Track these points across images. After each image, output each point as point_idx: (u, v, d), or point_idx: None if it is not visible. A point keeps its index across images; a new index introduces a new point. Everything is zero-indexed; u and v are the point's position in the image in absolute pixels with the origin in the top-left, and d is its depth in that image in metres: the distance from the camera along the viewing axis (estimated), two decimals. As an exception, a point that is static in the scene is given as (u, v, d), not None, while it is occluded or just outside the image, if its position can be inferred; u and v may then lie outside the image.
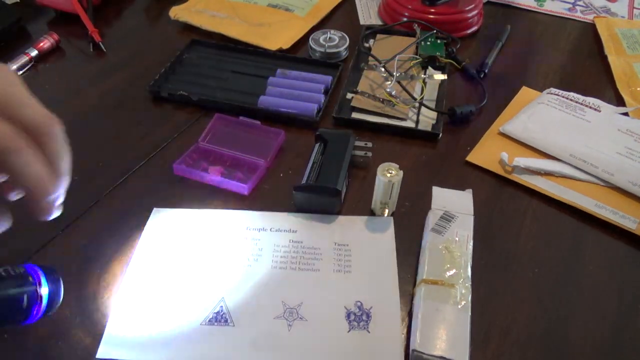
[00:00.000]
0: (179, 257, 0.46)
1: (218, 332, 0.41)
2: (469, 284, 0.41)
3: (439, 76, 0.65)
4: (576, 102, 0.62)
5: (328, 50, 0.68)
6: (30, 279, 0.35)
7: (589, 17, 0.82)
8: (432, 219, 0.46)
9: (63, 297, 0.41)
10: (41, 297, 0.35)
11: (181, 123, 0.60)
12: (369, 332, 0.41)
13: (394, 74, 0.62)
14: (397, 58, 0.65)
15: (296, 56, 0.70)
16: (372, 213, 0.50)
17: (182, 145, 0.56)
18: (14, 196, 0.31)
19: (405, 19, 0.74)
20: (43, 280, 0.36)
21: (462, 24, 0.75)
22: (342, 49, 0.69)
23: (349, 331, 0.41)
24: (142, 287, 0.44)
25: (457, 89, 0.66)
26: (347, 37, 0.70)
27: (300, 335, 0.41)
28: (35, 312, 0.35)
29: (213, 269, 0.45)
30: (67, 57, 0.71)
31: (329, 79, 0.64)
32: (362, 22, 0.79)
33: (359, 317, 0.42)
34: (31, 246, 0.47)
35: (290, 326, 0.41)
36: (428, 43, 0.70)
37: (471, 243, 0.44)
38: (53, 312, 0.38)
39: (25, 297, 0.34)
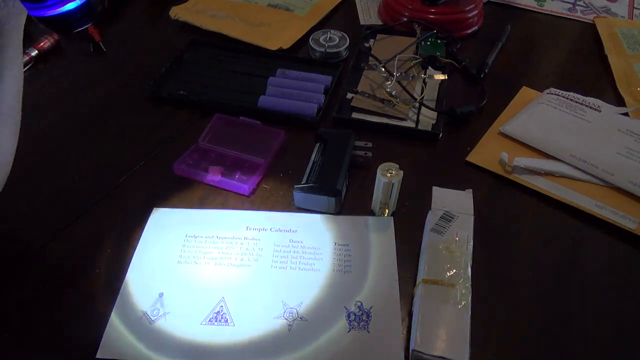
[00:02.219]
0: (179, 257, 0.46)
1: (218, 332, 0.41)
2: (469, 284, 0.41)
3: (439, 76, 0.65)
4: (576, 102, 0.62)
5: (328, 50, 0.68)
6: None
7: (589, 17, 0.82)
8: (432, 219, 0.46)
9: (64, 297, 0.41)
10: None
11: (181, 123, 0.60)
12: (369, 332, 0.41)
13: (394, 74, 0.62)
14: (397, 58, 0.65)
15: (296, 56, 0.70)
16: (372, 213, 0.50)
17: (182, 145, 0.56)
18: None
19: (405, 19, 0.74)
20: None
21: (462, 24, 0.75)
22: (342, 49, 0.69)
23: (349, 331, 0.41)
24: (142, 287, 0.44)
25: (457, 89, 0.66)
26: (347, 37, 0.70)
27: (300, 335, 0.41)
28: None
29: (213, 269, 0.45)
30: (67, 57, 0.71)
31: (329, 79, 0.64)
32: (362, 22, 0.79)
33: (359, 317, 0.42)
34: (32, 245, 0.47)
35: (290, 326, 0.41)
36: (428, 43, 0.70)
37: (471, 243, 0.44)
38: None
39: None
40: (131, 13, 0.80)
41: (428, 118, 0.60)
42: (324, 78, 0.64)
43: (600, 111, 0.61)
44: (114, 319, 0.41)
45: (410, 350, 0.38)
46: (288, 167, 0.54)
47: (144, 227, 0.48)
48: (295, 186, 0.49)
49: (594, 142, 0.57)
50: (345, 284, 0.44)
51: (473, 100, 0.62)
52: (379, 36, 0.73)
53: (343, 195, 0.50)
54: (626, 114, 0.61)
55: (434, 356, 0.37)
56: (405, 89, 0.61)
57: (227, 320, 0.42)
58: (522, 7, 0.84)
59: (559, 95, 0.63)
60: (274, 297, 0.43)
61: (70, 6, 0.32)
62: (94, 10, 0.34)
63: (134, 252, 0.46)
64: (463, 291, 0.40)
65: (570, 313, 0.43)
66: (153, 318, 0.41)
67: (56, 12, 0.32)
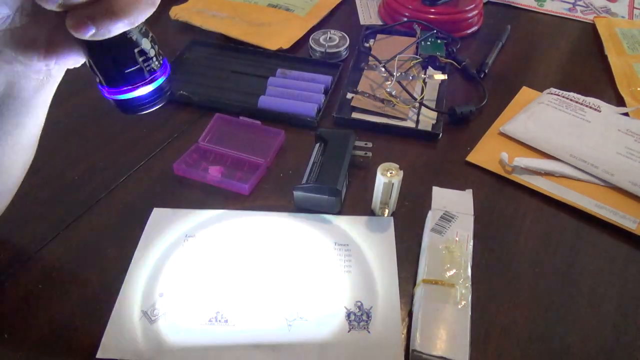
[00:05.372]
0: (179, 257, 0.46)
1: (218, 332, 0.41)
2: (469, 284, 0.41)
3: (439, 76, 0.65)
4: (576, 102, 0.62)
5: (328, 50, 0.68)
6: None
7: (589, 17, 0.82)
8: (432, 219, 0.46)
9: (64, 297, 0.41)
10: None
11: (181, 123, 0.60)
12: (369, 332, 0.41)
13: (394, 74, 0.62)
14: (397, 58, 0.65)
15: (296, 56, 0.70)
16: (372, 213, 0.50)
17: (182, 145, 0.56)
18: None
19: (405, 19, 0.74)
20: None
21: (462, 24, 0.75)
22: (342, 49, 0.69)
23: (349, 331, 0.41)
24: (142, 287, 0.44)
25: (457, 89, 0.66)
26: (347, 37, 0.70)
27: (300, 335, 0.41)
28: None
29: (213, 269, 0.45)
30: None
31: (329, 79, 0.64)
32: (362, 22, 0.79)
33: (359, 317, 0.42)
34: (32, 245, 0.47)
35: (290, 326, 0.41)
36: (428, 43, 0.70)
37: (471, 243, 0.44)
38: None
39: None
40: (131, 13, 0.80)
41: (428, 118, 0.60)
42: (324, 78, 0.64)
43: (600, 111, 0.61)
44: (114, 319, 0.41)
45: (410, 350, 0.38)
46: (288, 167, 0.54)
47: (144, 227, 0.48)
48: (295, 186, 0.49)
49: (594, 142, 0.57)
50: (345, 284, 0.44)
51: (473, 100, 0.62)
52: (379, 36, 0.73)
53: (343, 195, 0.50)
54: (626, 114, 0.61)
55: (434, 356, 0.37)
56: (405, 89, 0.61)
57: (227, 320, 0.42)
58: (522, 7, 0.84)
59: (559, 95, 0.63)
60: (274, 297, 0.43)
61: (142, 91, 0.34)
62: (163, 94, 0.35)
63: (134, 252, 0.46)
64: (463, 291, 0.40)
65: (570, 313, 0.43)
66: (153, 318, 0.41)
67: (128, 97, 0.34)
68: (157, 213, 0.50)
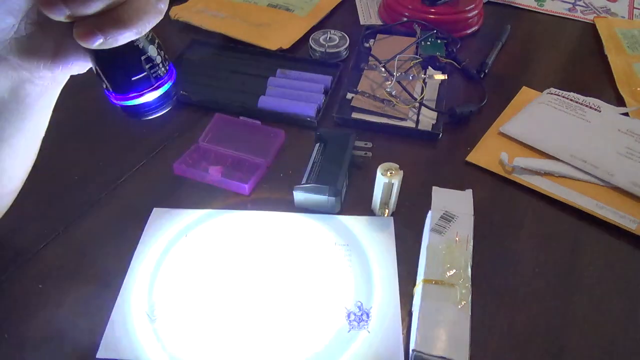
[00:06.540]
0: (179, 257, 0.46)
1: (218, 332, 0.41)
2: (469, 284, 0.41)
3: (439, 76, 0.65)
4: (576, 102, 0.62)
5: (328, 50, 0.68)
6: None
7: (589, 17, 0.82)
8: (432, 219, 0.46)
9: (64, 297, 0.41)
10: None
11: (181, 123, 0.60)
12: (369, 332, 0.41)
13: (394, 74, 0.62)
14: (397, 58, 0.65)
15: (296, 56, 0.70)
16: (372, 213, 0.50)
17: (182, 145, 0.56)
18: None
19: (405, 19, 0.74)
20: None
21: (462, 24, 0.75)
22: (342, 49, 0.69)
23: (349, 331, 0.41)
24: (142, 287, 0.44)
25: (457, 89, 0.66)
26: (347, 37, 0.70)
27: (300, 335, 0.41)
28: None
29: (213, 269, 0.45)
30: (67, 57, 0.71)
31: (329, 79, 0.64)
32: (362, 22, 0.79)
33: (359, 317, 0.42)
34: (32, 246, 0.47)
35: (290, 326, 0.41)
36: (428, 43, 0.70)
37: (471, 243, 0.44)
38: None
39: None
40: (131, 13, 0.80)
41: (428, 118, 0.60)
42: (324, 78, 0.64)
43: (600, 111, 0.61)
44: (114, 319, 0.41)
45: (410, 350, 0.38)
46: (288, 167, 0.54)
47: (144, 227, 0.48)
48: (295, 186, 0.49)
49: (594, 142, 0.57)
50: (345, 284, 0.44)
51: (473, 100, 0.62)
52: (379, 36, 0.73)
53: (343, 195, 0.50)
54: (626, 114, 0.61)
55: (434, 356, 0.37)
56: (405, 89, 0.61)
57: (227, 320, 0.42)
58: (522, 7, 0.84)
59: (559, 95, 0.63)
60: (274, 298, 0.43)
61: (148, 97, 0.34)
62: (170, 99, 0.36)
63: (134, 252, 0.46)
64: (463, 291, 0.40)
65: (570, 313, 0.43)
66: (153, 318, 0.42)
67: (135, 103, 0.34)
68: (157, 213, 0.50)
